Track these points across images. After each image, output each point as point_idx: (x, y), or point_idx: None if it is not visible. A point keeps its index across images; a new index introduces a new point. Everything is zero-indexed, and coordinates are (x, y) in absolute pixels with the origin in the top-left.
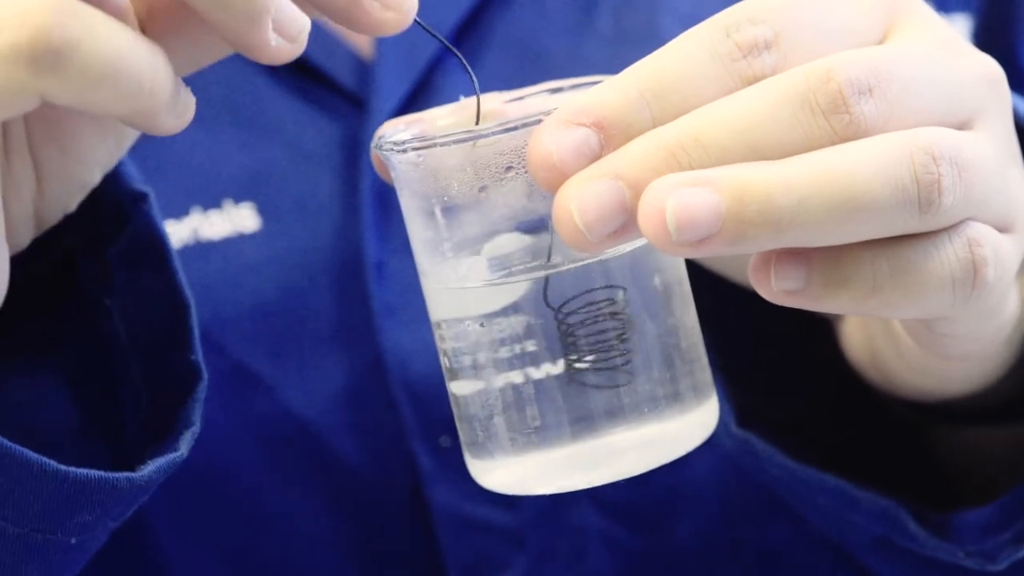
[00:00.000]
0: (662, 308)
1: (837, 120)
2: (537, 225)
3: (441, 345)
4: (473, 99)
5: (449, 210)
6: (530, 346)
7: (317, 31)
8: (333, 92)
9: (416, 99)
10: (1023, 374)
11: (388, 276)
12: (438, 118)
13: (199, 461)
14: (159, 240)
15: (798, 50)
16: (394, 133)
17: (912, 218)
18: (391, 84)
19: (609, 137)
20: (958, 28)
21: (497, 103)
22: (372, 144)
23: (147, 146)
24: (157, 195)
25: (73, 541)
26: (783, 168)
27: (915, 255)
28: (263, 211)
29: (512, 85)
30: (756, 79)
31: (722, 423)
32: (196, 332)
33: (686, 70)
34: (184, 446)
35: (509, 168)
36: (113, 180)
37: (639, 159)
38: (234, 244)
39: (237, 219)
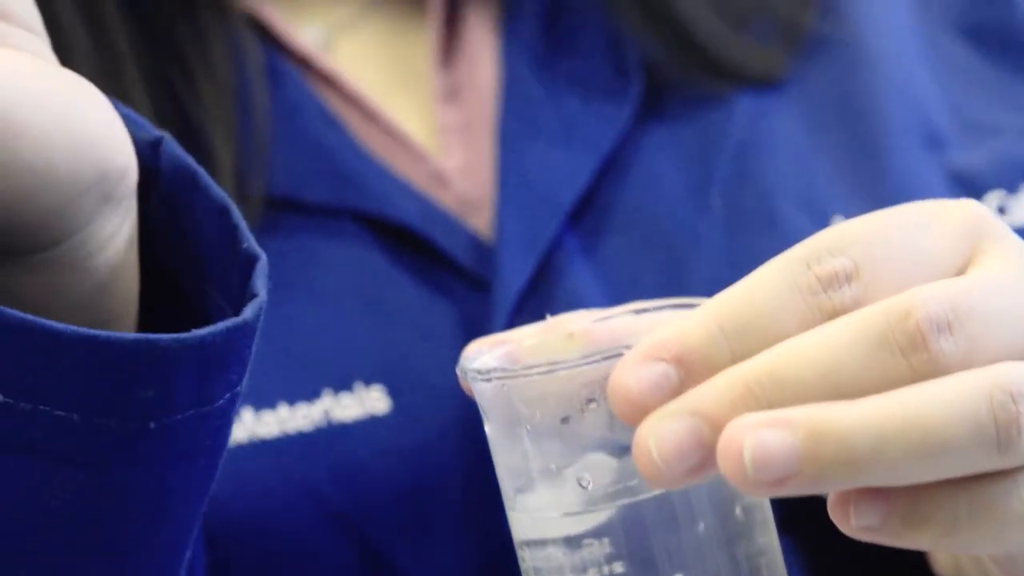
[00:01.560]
0: (744, 536)
1: (916, 358)
2: (620, 451)
3: (523, 566)
4: (560, 318)
5: (532, 438)
6: (617, 568)
7: (436, 213)
8: (455, 274)
9: (539, 282)
10: None
11: None
12: (524, 338)
13: None
14: (185, 166)
15: (879, 282)
16: (478, 356)
17: (991, 458)
18: (513, 267)
19: (689, 372)
20: None
21: (585, 322)
22: (457, 368)
23: (277, 330)
24: (288, 377)
25: (152, 426)
26: (861, 409)
27: (994, 494)
28: (393, 393)
29: (629, 265)
30: (837, 312)
31: None
32: (243, 225)
33: (766, 304)
34: (250, 311)
35: (591, 400)
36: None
37: (717, 396)
38: (366, 427)
39: (368, 401)
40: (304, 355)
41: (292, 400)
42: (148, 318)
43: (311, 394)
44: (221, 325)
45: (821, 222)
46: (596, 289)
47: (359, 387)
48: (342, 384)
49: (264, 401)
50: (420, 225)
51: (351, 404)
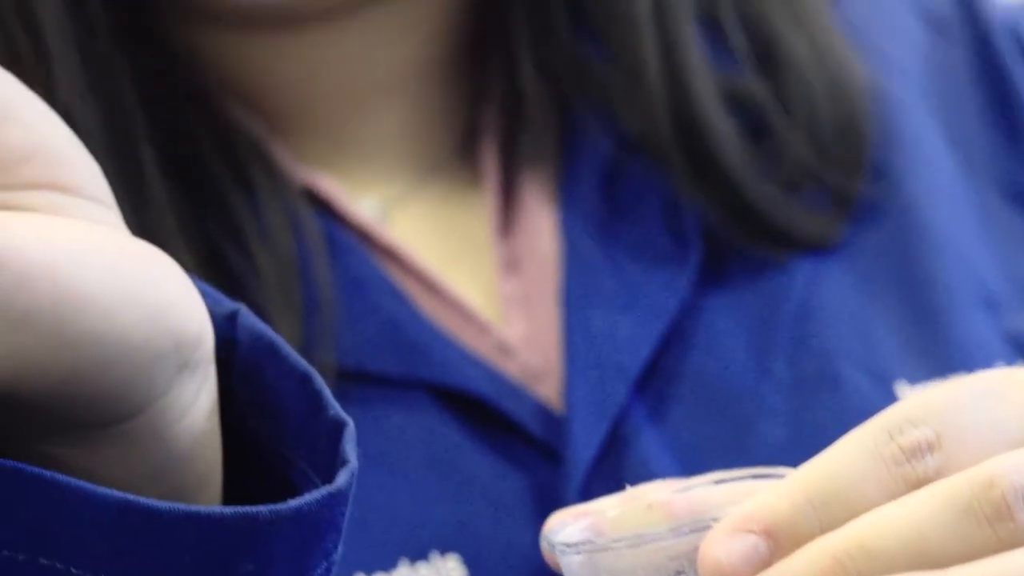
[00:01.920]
0: None
1: (1002, 528)
2: None
3: None
4: (639, 488)
5: None
6: None
7: (504, 383)
8: (525, 444)
9: (609, 450)
10: None
11: None
12: (607, 509)
13: None
14: (263, 336)
15: (960, 452)
16: (562, 528)
17: None
18: (584, 436)
19: (778, 544)
20: None
21: (665, 493)
22: (542, 540)
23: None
24: (364, 548)
25: None
26: None
27: None
28: (468, 562)
29: (695, 432)
30: (920, 482)
31: None
32: (327, 391)
33: (851, 475)
34: (343, 479)
35: (680, 572)
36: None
37: (807, 568)
38: None
39: (444, 571)
40: (379, 525)
41: (369, 570)
42: (229, 486)
43: (388, 564)
44: (316, 494)
45: (883, 386)
46: (664, 456)
47: (435, 557)
48: (418, 554)
49: (341, 572)
50: (490, 395)
51: (427, 574)
